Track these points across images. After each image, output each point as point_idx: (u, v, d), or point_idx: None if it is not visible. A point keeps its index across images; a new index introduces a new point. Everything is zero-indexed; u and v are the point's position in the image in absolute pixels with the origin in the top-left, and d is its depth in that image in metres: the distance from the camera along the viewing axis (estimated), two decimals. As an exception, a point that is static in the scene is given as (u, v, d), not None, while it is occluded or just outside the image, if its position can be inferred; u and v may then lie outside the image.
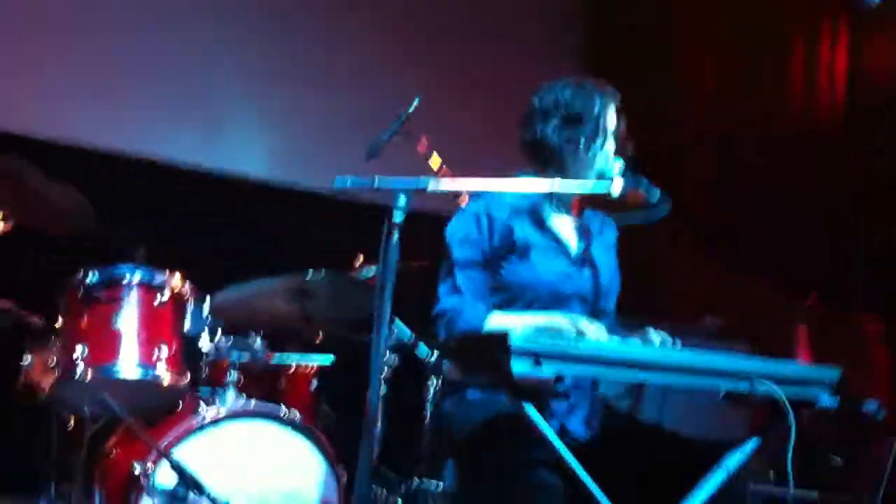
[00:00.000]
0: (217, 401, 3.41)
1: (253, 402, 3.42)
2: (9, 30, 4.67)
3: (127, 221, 3.65)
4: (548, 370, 2.28)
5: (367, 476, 2.37)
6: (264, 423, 3.34)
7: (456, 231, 2.85)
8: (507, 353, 2.24)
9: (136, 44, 4.93)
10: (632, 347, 2.48)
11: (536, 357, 2.26)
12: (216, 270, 3.77)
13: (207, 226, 4.86)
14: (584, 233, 2.95)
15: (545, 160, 2.87)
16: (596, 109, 2.83)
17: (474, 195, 2.94)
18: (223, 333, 3.52)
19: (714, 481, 2.62)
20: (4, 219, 3.42)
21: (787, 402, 2.51)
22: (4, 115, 4.50)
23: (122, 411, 3.28)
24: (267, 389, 3.67)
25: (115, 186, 4.39)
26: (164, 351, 3.32)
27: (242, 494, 3.23)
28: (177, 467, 3.08)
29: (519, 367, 2.24)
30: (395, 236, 2.49)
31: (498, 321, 2.71)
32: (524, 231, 2.85)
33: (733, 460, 2.66)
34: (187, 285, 3.43)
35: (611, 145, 2.87)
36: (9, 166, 3.42)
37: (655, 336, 2.66)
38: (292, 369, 3.77)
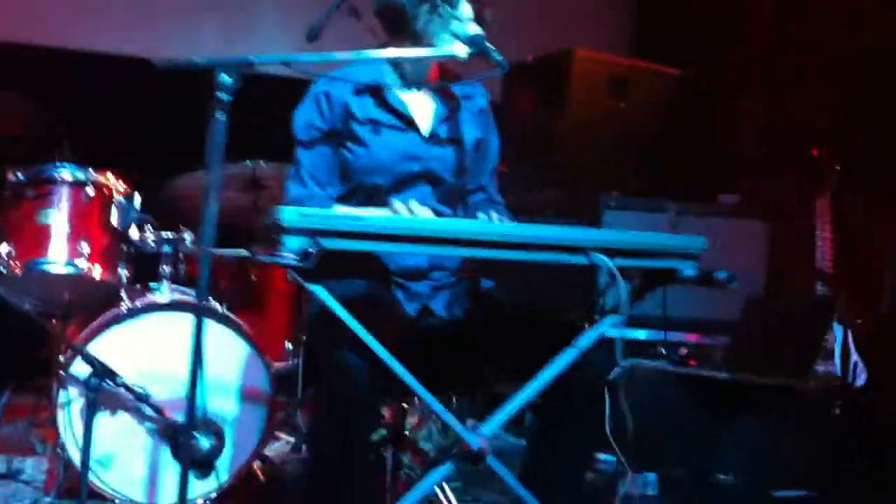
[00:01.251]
0: (146, 294, 3.46)
1: (176, 295, 3.44)
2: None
3: (56, 116, 3.66)
4: (329, 246, 2.17)
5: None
6: (185, 314, 3.35)
7: (299, 115, 2.74)
8: (280, 230, 2.15)
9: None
10: (428, 221, 2.33)
11: (314, 234, 2.16)
12: (162, 161, 3.77)
13: (147, 114, 4.80)
14: (443, 106, 2.78)
15: (395, 26, 2.71)
16: None
17: (322, 75, 2.79)
18: (156, 229, 3.53)
19: (563, 360, 2.48)
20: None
21: (615, 271, 2.34)
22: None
23: (47, 307, 3.41)
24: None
25: (45, 80, 4.38)
26: (92, 246, 3.39)
27: (163, 382, 3.26)
28: (88, 358, 3.14)
29: (293, 244, 2.15)
30: (222, 117, 2.42)
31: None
32: (365, 110, 2.71)
33: (585, 339, 2.50)
34: (113, 181, 3.47)
35: (465, 7, 2.67)
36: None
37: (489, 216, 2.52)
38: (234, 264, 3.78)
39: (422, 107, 2.76)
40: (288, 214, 2.14)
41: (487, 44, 2.61)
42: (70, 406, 3.21)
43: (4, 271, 3.33)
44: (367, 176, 2.67)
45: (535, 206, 5.08)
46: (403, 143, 2.69)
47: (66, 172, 3.42)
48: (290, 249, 2.14)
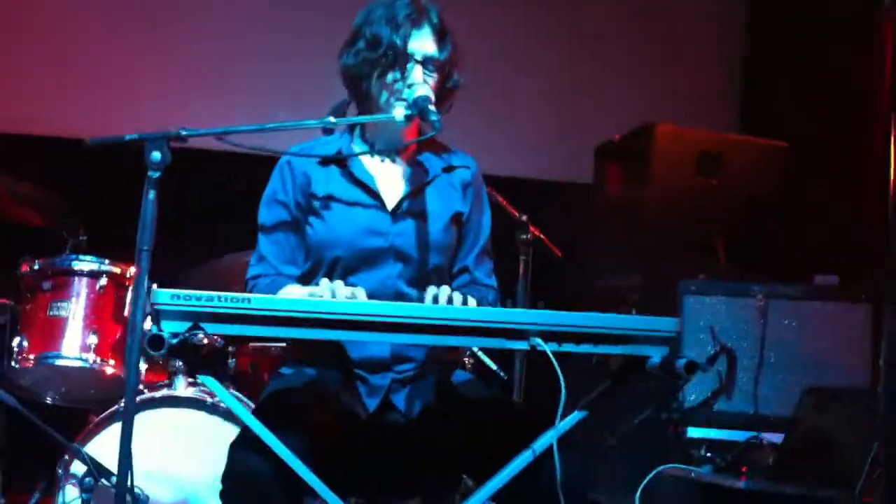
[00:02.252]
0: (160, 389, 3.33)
1: (189, 391, 3.29)
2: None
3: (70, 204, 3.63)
4: (211, 330, 1.95)
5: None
6: (194, 411, 3.21)
7: (266, 190, 2.56)
8: (157, 314, 1.95)
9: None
10: (333, 304, 2.05)
11: (193, 318, 1.95)
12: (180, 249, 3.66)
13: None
14: (414, 178, 2.54)
15: (351, 91, 2.52)
16: (398, 31, 2.43)
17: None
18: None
19: (516, 465, 2.14)
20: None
21: (553, 358, 2.01)
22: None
23: (65, 400, 3.34)
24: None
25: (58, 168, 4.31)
26: (106, 339, 3.34)
27: (165, 483, 3.11)
28: (81, 457, 3.04)
29: (171, 328, 1.94)
30: (151, 195, 2.28)
31: (287, 292, 2.38)
32: (327, 182, 2.50)
33: (543, 440, 2.15)
34: (130, 271, 3.40)
35: (418, 72, 2.44)
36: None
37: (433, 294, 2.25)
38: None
39: (390, 178, 2.53)
40: (162, 297, 1.94)
41: (429, 106, 2.36)
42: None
43: (16, 365, 3.29)
44: (326, 251, 2.46)
45: (620, 292, 4.74)
46: (364, 218, 2.47)
47: (81, 264, 3.39)
48: (169, 334, 1.93)
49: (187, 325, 1.95)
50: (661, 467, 3.00)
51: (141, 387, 3.30)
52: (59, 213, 3.51)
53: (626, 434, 3.56)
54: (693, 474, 2.85)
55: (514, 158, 5.37)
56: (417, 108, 2.36)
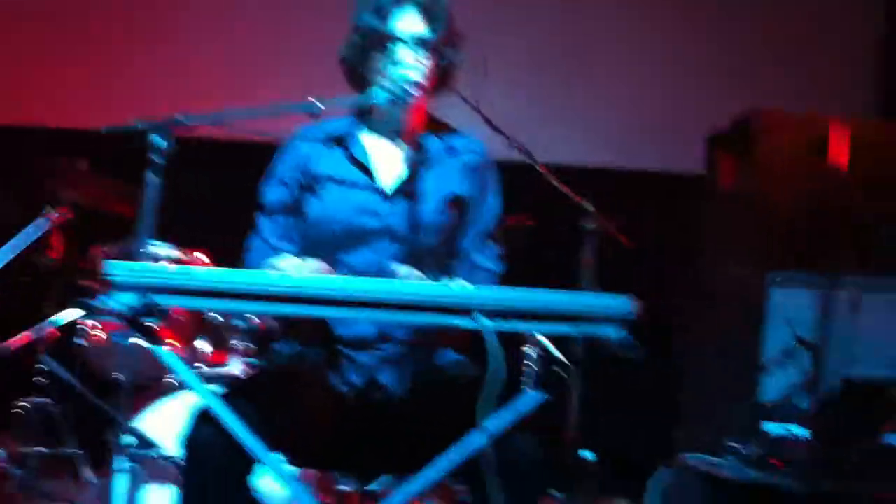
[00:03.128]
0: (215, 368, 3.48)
1: (236, 370, 3.41)
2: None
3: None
4: (162, 302, 2.02)
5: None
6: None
7: (270, 168, 2.62)
8: (110, 286, 2.04)
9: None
10: (279, 278, 2.07)
11: (146, 289, 2.02)
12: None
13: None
14: (413, 160, 2.54)
15: (351, 81, 2.55)
16: (381, 14, 2.45)
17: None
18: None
19: (466, 448, 2.12)
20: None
21: (492, 336, 2.01)
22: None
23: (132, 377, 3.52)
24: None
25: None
26: (170, 320, 3.48)
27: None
28: (128, 429, 3.20)
29: (124, 300, 2.03)
30: (155, 179, 2.39)
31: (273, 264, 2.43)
32: (328, 163, 2.54)
33: (494, 422, 2.11)
34: (197, 257, 3.56)
35: (404, 53, 2.44)
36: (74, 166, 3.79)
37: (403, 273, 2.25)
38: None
39: (389, 159, 2.54)
40: (117, 269, 2.02)
41: (405, 86, 2.36)
42: (121, 474, 3.25)
43: (86, 343, 3.49)
44: (321, 229, 2.50)
45: (722, 286, 4.56)
46: (360, 198, 2.49)
47: (152, 249, 3.54)
48: (121, 306, 2.01)
49: (138, 296, 2.02)
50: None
51: (199, 364, 3.44)
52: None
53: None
54: (705, 468, 2.69)
55: (617, 148, 5.24)
56: (396, 88, 2.36)
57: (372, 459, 2.45)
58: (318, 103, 2.33)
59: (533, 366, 4.01)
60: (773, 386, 3.83)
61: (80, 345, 3.50)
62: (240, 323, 3.51)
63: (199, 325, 3.54)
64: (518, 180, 3.70)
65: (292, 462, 2.48)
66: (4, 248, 3.52)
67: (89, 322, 3.53)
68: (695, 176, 4.94)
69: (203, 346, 3.55)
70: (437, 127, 2.60)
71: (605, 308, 2.02)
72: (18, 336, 3.58)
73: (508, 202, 4.40)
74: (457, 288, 2.06)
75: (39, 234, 3.61)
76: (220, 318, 3.52)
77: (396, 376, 2.45)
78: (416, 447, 2.34)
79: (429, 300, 2.02)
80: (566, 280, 3.44)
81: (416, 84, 2.41)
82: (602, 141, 5.26)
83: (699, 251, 4.85)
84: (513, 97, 5.07)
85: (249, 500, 2.22)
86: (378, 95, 2.38)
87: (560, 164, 5.13)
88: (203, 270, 2.04)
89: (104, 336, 3.52)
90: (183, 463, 2.16)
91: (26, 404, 3.63)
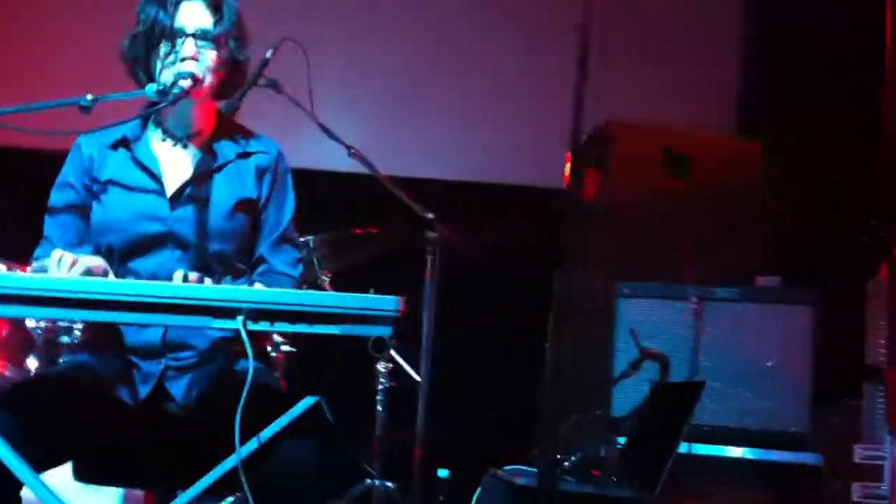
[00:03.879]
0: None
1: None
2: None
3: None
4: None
5: None
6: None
7: (60, 173, 2.52)
8: None
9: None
10: (12, 279, 1.96)
11: None
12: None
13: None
14: (201, 164, 2.46)
15: (133, 76, 2.46)
16: (165, 7, 2.36)
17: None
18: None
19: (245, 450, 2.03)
20: None
21: (244, 335, 1.93)
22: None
23: None
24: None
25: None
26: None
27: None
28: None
29: None
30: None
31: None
32: (112, 167, 2.44)
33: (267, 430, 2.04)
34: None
35: (188, 46, 2.37)
36: None
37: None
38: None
39: (177, 164, 2.46)
40: None
41: (179, 81, 2.30)
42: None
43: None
44: (102, 236, 2.41)
45: (579, 298, 4.55)
46: (142, 203, 2.40)
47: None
48: None
49: None
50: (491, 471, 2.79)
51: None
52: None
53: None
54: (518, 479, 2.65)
55: (482, 162, 5.22)
56: (171, 81, 2.29)
57: (157, 472, 2.35)
58: (87, 97, 2.23)
59: (384, 381, 3.96)
60: (623, 399, 3.82)
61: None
62: (65, 339, 3.37)
63: (26, 342, 3.40)
64: (366, 191, 3.71)
65: (76, 476, 2.37)
66: None
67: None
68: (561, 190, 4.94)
69: (33, 364, 3.40)
70: (232, 130, 2.53)
71: (372, 307, 1.95)
72: None
73: (355, 212, 4.37)
74: (221, 289, 1.98)
75: None
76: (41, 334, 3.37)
77: (186, 385, 2.36)
78: (201, 458, 2.25)
79: (192, 302, 1.93)
80: (412, 291, 3.42)
81: (193, 77, 2.32)
82: (471, 156, 5.23)
83: (559, 263, 4.83)
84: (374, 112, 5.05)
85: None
86: (150, 89, 2.29)
87: (427, 178, 5.17)
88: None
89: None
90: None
91: None
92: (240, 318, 1.92)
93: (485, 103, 5.25)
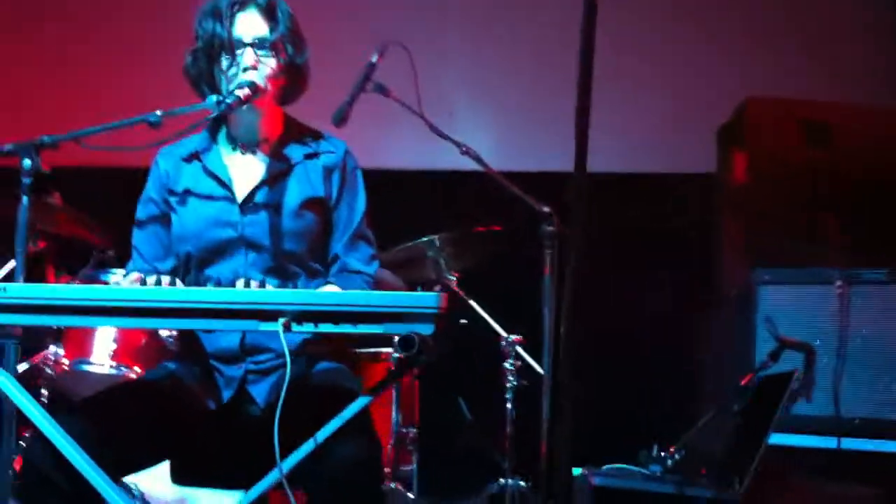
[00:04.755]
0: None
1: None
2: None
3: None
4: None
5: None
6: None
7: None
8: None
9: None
10: (72, 290, 2.03)
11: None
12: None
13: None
14: (270, 169, 2.49)
15: (196, 91, 2.51)
16: (221, 20, 2.40)
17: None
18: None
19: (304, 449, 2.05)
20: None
21: (283, 338, 1.95)
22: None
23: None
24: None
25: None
26: (137, 348, 3.54)
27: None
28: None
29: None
30: (24, 200, 2.41)
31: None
32: (186, 179, 2.51)
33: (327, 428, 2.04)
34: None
35: (248, 55, 2.40)
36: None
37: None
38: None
39: (245, 171, 2.50)
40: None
41: (236, 91, 2.33)
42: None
43: (51, 372, 3.55)
44: (180, 245, 2.48)
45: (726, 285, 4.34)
46: (214, 210, 2.46)
47: (114, 276, 3.60)
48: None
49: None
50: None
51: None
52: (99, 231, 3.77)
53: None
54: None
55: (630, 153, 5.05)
56: (231, 91, 2.33)
57: (243, 473, 2.38)
58: (157, 113, 2.30)
59: (513, 379, 3.90)
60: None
61: (46, 374, 3.56)
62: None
63: (162, 350, 3.55)
64: (486, 188, 3.66)
65: (173, 479, 2.45)
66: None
67: (51, 353, 3.57)
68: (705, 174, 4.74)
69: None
70: (300, 132, 2.55)
71: (413, 305, 1.92)
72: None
73: (478, 210, 4.31)
74: (264, 293, 1.99)
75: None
76: (172, 342, 3.51)
77: (267, 388, 2.40)
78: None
79: (235, 306, 1.95)
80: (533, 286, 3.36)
81: (253, 85, 2.35)
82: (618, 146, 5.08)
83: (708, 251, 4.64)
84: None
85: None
86: (210, 101, 2.34)
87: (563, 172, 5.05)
88: (9, 287, 2.02)
89: (67, 364, 3.56)
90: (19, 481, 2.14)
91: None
92: (281, 321, 1.92)
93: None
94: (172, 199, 2.50)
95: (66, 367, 3.57)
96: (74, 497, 2.11)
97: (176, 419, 2.33)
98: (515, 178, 3.47)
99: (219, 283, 2.41)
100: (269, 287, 2.13)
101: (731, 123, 4.39)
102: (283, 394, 1.99)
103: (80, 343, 3.59)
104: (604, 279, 4.03)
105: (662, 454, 2.49)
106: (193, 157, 2.52)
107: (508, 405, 3.86)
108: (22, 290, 2.02)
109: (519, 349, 3.86)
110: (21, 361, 3.56)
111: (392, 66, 3.35)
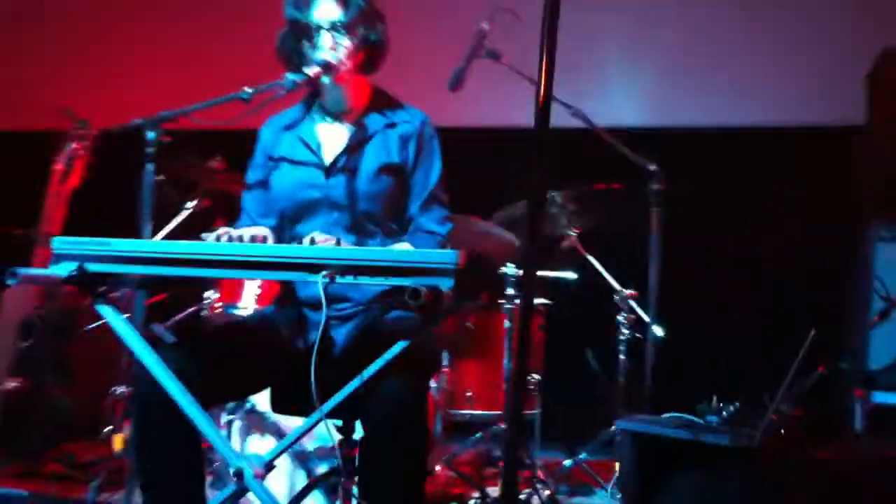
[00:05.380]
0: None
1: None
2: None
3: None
4: (92, 269, 2.39)
5: None
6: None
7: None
8: (53, 257, 2.44)
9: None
10: (160, 244, 2.37)
11: (80, 259, 2.41)
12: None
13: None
14: (353, 136, 2.79)
15: (289, 70, 2.80)
16: (300, 6, 2.72)
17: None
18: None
19: (351, 386, 2.35)
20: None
21: (321, 289, 2.21)
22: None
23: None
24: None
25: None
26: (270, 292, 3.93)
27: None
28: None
29: (61, 269, 2.42)
30: (150, 167, 2.82)
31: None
32: (284, 145, 2.85)
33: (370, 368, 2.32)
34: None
35: (326, 38, 2.70)
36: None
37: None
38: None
39: (332, 138, 2.81)
40: (57, 243, 2.43)
41: (312, 68, 2.64)
42: (231, 426, 3.71)
43: (208, 314, 4.02)
44: (277, 204, 2.82)
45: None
46: (303, 174, 2.78)
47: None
48: (59, 273, 2.41)
49: (75, 264, 2.41)
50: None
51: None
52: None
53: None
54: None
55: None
56: (308, 69, 2.63)
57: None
58: (247, 90, 2.62)
59: (627, 332, 4.04)
60: (880, 352, 3.60)
61: (204, 317, 4.03)
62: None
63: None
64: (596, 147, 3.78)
65: (273, 408, 2.80)
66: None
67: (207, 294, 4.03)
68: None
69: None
70: (383, 103, 2.83)
71: (436, 261, 2.15)
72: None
73: (596, 168, 4.43)
74: (310, 249, 2.28)
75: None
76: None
77: (345, 332, 2.70)
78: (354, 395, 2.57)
79: (286, 259, 2.25)
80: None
81: (325, 63, 2.64)
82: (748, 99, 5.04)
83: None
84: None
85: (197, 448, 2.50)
86: (287, 80, 2.63)
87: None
88: (121, 242, 2.39)
89: (219, 307, 4.01)
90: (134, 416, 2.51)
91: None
92: (322, 273, 2.20)
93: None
94: (272, 164, 2.84)
95: (219, 310, 4.02)
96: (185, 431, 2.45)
97: (267, 356, 2.67)
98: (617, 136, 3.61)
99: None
100: (343, 244, 2.43)
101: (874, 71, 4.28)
102: (318, 335, 2.24)
103: (231, 289, 4.03)
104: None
105: (721, 405, 2.60)
106: (290, 126, 2.85)
107: (622, 356, 4.02)
108: (122, 245, 2.38)
109: (632, 303, 4.00)
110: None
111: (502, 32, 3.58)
